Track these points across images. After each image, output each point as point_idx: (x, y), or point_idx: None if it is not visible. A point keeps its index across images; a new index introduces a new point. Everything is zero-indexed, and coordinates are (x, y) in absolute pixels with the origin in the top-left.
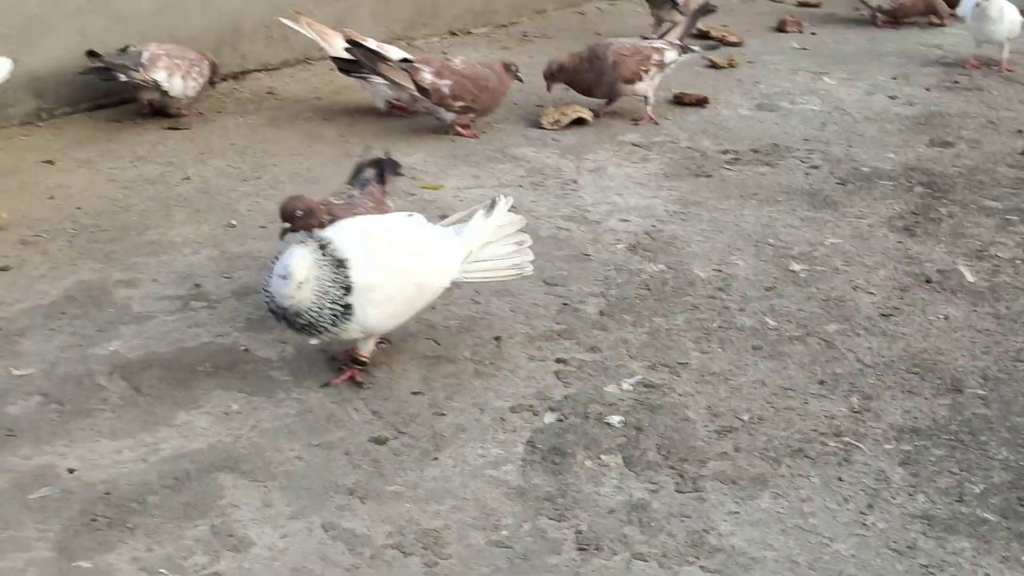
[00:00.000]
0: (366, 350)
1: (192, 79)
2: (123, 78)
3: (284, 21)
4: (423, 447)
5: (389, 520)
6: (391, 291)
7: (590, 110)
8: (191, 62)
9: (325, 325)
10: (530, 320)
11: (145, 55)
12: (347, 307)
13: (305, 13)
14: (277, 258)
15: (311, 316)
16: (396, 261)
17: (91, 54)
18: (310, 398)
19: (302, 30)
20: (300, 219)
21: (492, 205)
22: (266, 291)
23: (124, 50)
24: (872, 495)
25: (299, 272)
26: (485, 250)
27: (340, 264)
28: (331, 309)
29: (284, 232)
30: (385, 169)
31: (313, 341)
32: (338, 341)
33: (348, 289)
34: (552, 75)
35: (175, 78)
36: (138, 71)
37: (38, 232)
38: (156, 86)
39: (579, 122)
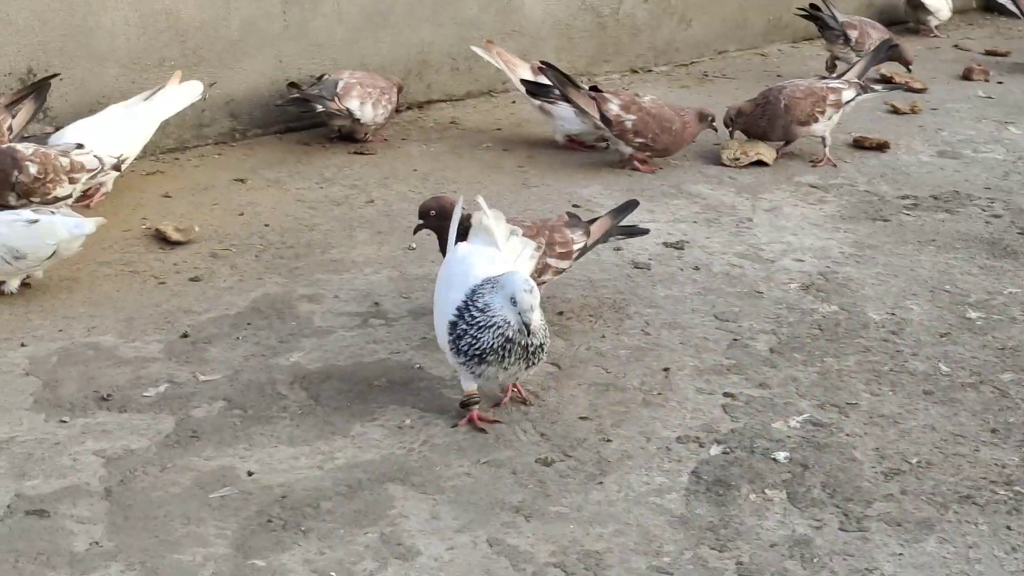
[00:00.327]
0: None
1: (382, 107)
2: (320, 108)
3: (475, 50)
4: (588, 471)
5: (552, 539)
6: None
7: (774, 151)
8: (381, 90)
9: (542, 355)
10: (699, 353)
11: (340, 84)
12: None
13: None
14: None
15: (542, 337)
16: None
17: (291, 85)
18: None
19: (492, 59)
20: (434, 218)
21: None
22: (509, 323)
23: (319, 79)
24: None
25: (536, 288)
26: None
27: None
28: (548, 339)
29: (417, 228)
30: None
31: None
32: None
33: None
34: (731, 120)
35: (366, 106)
36: (333, 100)
37: (227, 246)
38: (349, 114)
39: (759, 163)
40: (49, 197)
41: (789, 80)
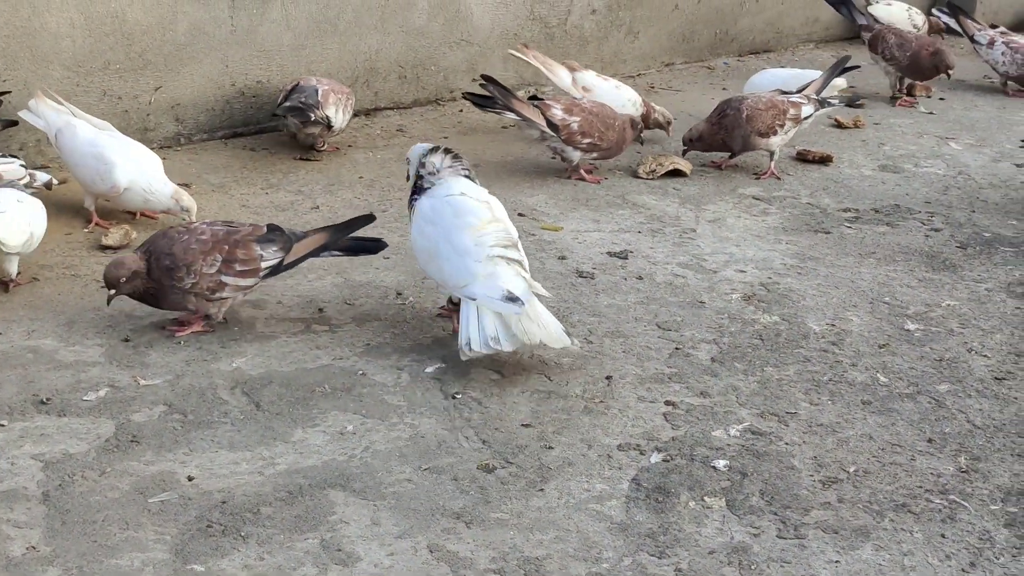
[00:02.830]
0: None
1: (346, 112)
2: (312, 117)
3: (513, 52)
4: (529, 478)
5: (493, 546)
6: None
7: (688, 161)
8: (346, 96)
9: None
10: (642, 362)
11: (319, 92)
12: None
13: (436, 56)
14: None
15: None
16: (442, 219)
17: (289, 95)
18: (422, 424)
19: (531, 61)
20: (125, 283)
21: (512, 299)
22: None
23: (295, 87)
24: (975, 554)
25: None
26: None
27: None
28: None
29: (110, 299)
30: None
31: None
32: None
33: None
34: (691, 141)
35: (339, 114)
36: (318, 108)
37: None
38: (327, 122)
39: (675, 173)
40: None
41: (750, 93)
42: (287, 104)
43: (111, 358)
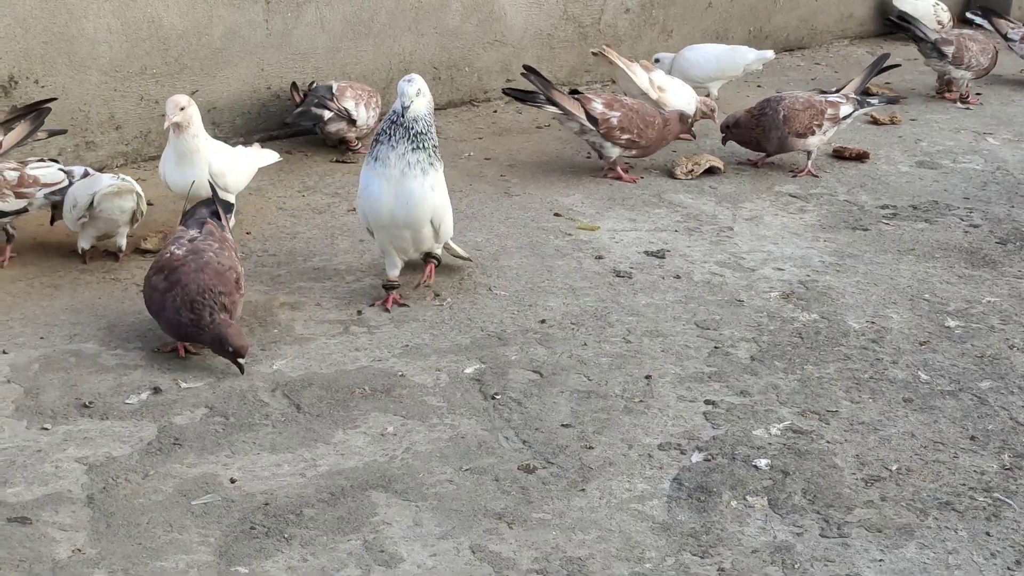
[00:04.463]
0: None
1: (372, 108)
2: (327, 115)
3: (594, 52)
4: (571, 478)
5: (535, 546)
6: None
7: (721, 160)
8: (369, 93)
9: (428, 144)
10: (681, 361)
11: (334, 87)
12: (438, 154)
13: (470, 57)
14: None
15: (424, 125)
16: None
17: (293, 86)
18: (462, 424)
19: (615, 60)
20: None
21: None
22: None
23: (311, 87)
24: (1021, 552)
25: (420, 80)
26: None
27: None
28: (434, 137)
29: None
30: (220, 208)
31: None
32: (408, 202)
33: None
34: (727, 128)
35: (360, 107)
36: (332, 100)
37: None
38: (347, 114)
39: (711, 171)
40: None
41: (788, 92)
42: (299, 110)
43: (152, 361)
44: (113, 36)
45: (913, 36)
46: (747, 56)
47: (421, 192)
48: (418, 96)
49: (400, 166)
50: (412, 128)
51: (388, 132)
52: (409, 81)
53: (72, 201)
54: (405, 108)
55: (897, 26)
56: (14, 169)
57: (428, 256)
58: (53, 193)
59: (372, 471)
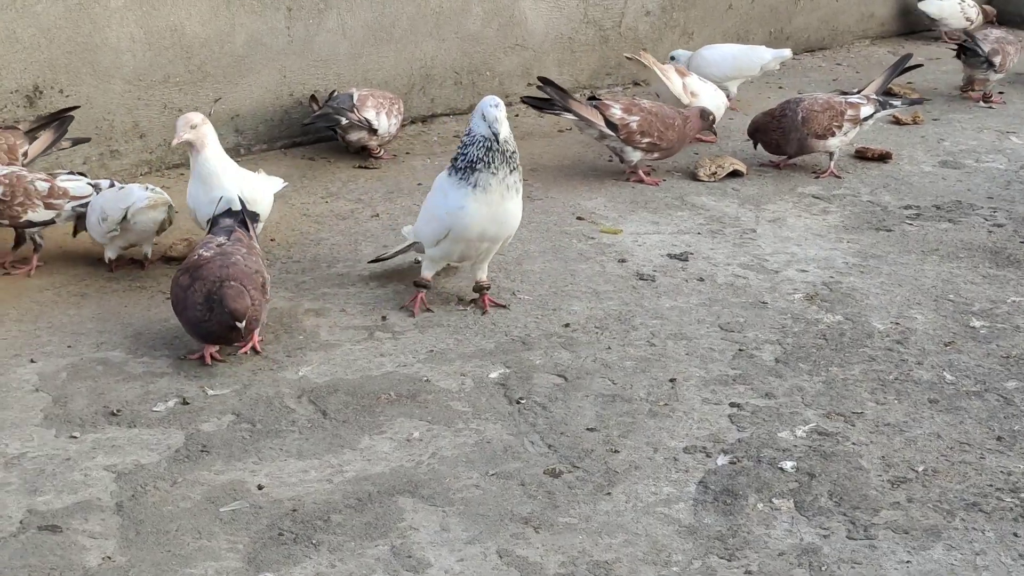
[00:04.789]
0: (484, 275)
1: (394, 116)
2: (344, 121)
3: (629, 56)
4: (597, 482)
5: (562, 550)
6: None
7: (743, 162)
8: (391, 101)
9: (517, 162)
10: (705, 364)
11: (355, 96)
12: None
13: (491, 62)
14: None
15: (513, 144)
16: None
17: (312, 99)
18: (488, 429)
19: (651, 66)
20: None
21: None
22: (478, 133)
23: (332, 95)
24: None
25: (501, 103)
26: None
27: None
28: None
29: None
30: (247, 217)
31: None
32: (505, 220)
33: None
34: (754, 133)
35: (382, 116)
36: (353, 112)
37: None
38: (368, 124)
39: (734, 174)
40: (21, 220)
41: (811, 93)
42: (317, 113)
43: (179, 369)
44: (136, 45)
45: (964, 49)
46: (764, 55)
47: (516, 211)
48: (504, 118)
49: (500, 190)
50: (507, 151)
51: (486, 160)
52: (496, 106)
53: (102, 214)
54: (497, 134)
55: (961, 49)
56: (45, 180)
57: (481, 287)
58: (81, 205)
59: (399, 476)
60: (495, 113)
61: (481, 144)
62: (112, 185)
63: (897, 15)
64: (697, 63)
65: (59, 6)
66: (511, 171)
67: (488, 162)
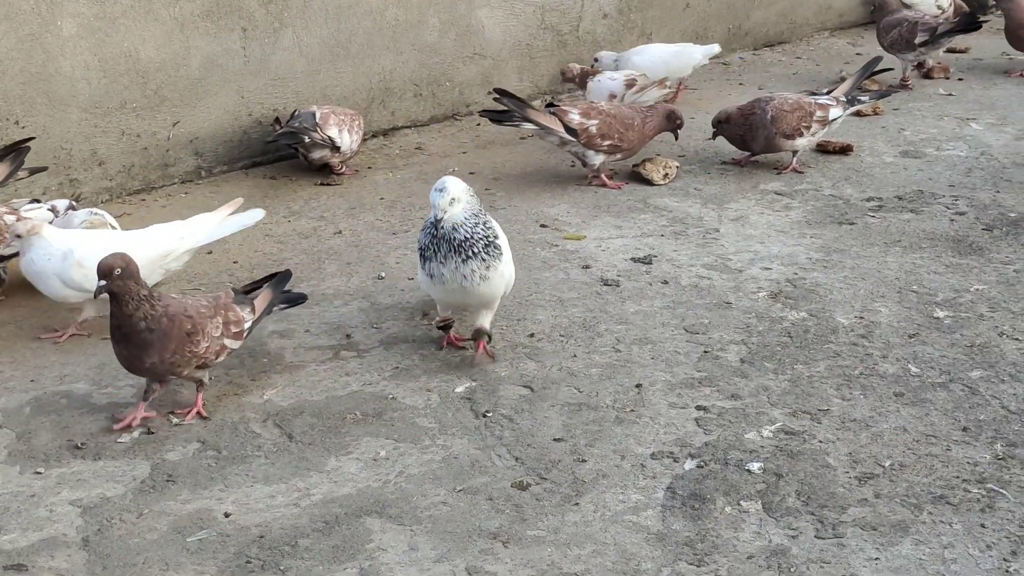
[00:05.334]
0: (486, 322)
1: (355, 133)
2: (307, 139)
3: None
4: (564, 492)
5: (531, 564)
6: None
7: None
8: (351, 117)
9: (478, 248)
10: (671, 367)
11: (318, 115)
12: (495, 243)
13: (450, 72)
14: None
15: (466, 231)
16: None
17: (276, 122)
18: (455, 444)
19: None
20: (118, 277)
21: None
22: (426, 224)
23: (294, 114)
24: (1016, 542)
25: (453, 188)
26: None
27: (485, 214)
28: (483, 234)
29: (99, 291)
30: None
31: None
32: (474, 297)
33: (496, 234)
34: (719, 123)
35: (344, 133)
36: (316, 131)
37: (197, 285)
38: (331, 142)
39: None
40: None
41: (779, 93)
42: (281, 130)
43: (143, 398)
44: (91, 73)
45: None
46: (695, 55)
47: (490, 289)
48: (453, 204)
49: (457, 279)
50: (454, 239)
51: (432, 247)
52: (441, 191)
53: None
54: (438, 220)
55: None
56: (10, 213)
57: (479, 333)
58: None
59: (366, 497)
60: (435, 198)
61: (427, 230)
62: (71, 207)
63: (856, 5)
64: (626, 67)
65: (11, 37)
66: (465, 259)
67: (435, 250)
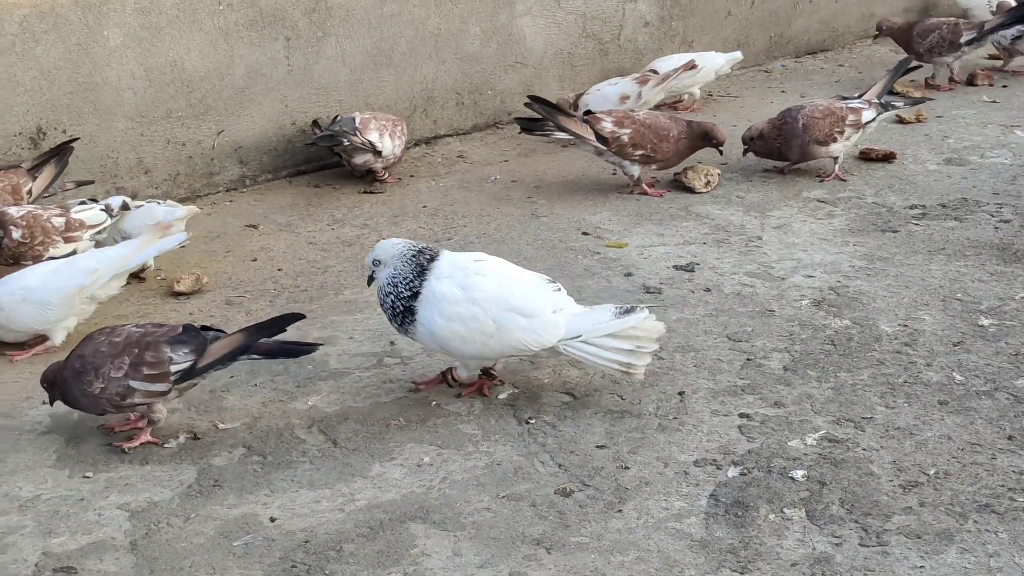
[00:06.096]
0: (462, 374)
1: (397, 138)
2: (346, 142)
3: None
4: (607, 499)
5: (574, 570)
6: (464, 313)
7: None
8: (393, 123)
9: (388, 315)
10: (714, 375)
11: (357, 119)
12: (410, 310)
13: (491, 80)
14: None
15: (381, 298)
16: (484, 292)
17: (314, 124)
18: (498, 451)
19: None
20: (48, 388)
21: (628, 311)
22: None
23: (335, 120)
24: None
25: (379, 250)
26: (602, 339)
27: (421, 270)
28: (398, 305)
29: (52, 401)
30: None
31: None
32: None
33: (415, 294)
34: (750, 140)
35: (385, 138)
36: (355, 134)
37: (242, 292)
38: (371, 146)
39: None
40: (44, 258)
41: (810, 100)
42: (320, 134)
43: (189, 404)
44: (137, 82)
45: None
46: (717, 62)
47: (430, 334)
48: (379, 267)
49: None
50: (383, 305)
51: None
52: (371, 251)
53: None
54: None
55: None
56: (60, 215)
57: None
58: (98, 233)
59: (410, 503)
60: (367, 259)
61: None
62: (125, 205)
63: (899, 13)
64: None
65: (59, 47)
66: (398, 325)
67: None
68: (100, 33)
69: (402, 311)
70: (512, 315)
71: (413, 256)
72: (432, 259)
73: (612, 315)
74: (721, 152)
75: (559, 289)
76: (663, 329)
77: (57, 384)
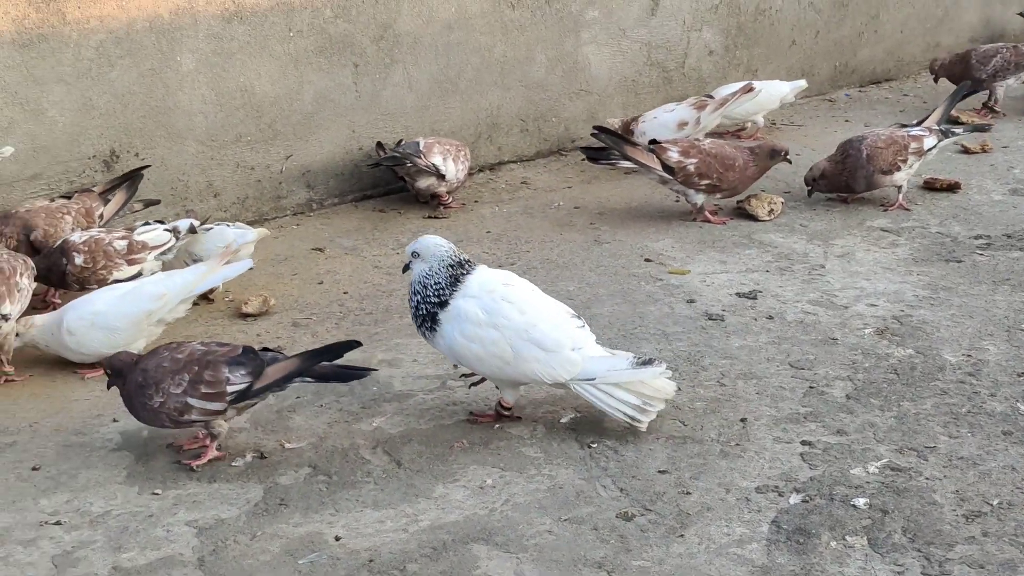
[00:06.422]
0: (509, 399)
1: (461, 162)
2: (409, 165)
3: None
4: (669, 524)
5: None
6: (485, 336)
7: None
8: (457, 147)
9: (412, 314)
10: (776, 402)
11: (421, 143)
12: (434, 317)
13: (556, 108)
14: None
15: (410, 295)
16: (507, 320)
17: (379, 145)
18: (560, 474)
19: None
20: (112, 378)
21: (646, 363)
22: None
23: (399, 143)
24: None
25: (421, 243)
26: (612, 387)
27: (455, 280)
28: (424, 308)
29: (109, 385)
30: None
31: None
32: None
33: (443, 304)
34: (814, 181)
35: (448, 162)
36: (420, 157)
37: (308, 315)
38: (435, 170)
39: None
40: (108, 282)
41: (870, 130)
42: (385, 156)
43: (256, 424)
44: (208, 106)
45: None
46: (783, 90)
47: (448, 348)
48: (415, 259)
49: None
50: (410, 304)
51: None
52: (411, 242)
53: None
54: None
55: None
56: (122, 238)
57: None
58: (163, 254)
59: (473, 524)
60: (408, 248)
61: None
62: (192, 228)
63: (964, 43)
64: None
65: (132, 72)
66: (418, 326)
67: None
68: (173, 58)
69: (424, 315)
70: (531, 346)
71: (451, 264)
72: (467, 272)
73: (628, 364)
74: (790, 162)
75: (583, 326)
76: (673, 391)
77: (119, 377)
